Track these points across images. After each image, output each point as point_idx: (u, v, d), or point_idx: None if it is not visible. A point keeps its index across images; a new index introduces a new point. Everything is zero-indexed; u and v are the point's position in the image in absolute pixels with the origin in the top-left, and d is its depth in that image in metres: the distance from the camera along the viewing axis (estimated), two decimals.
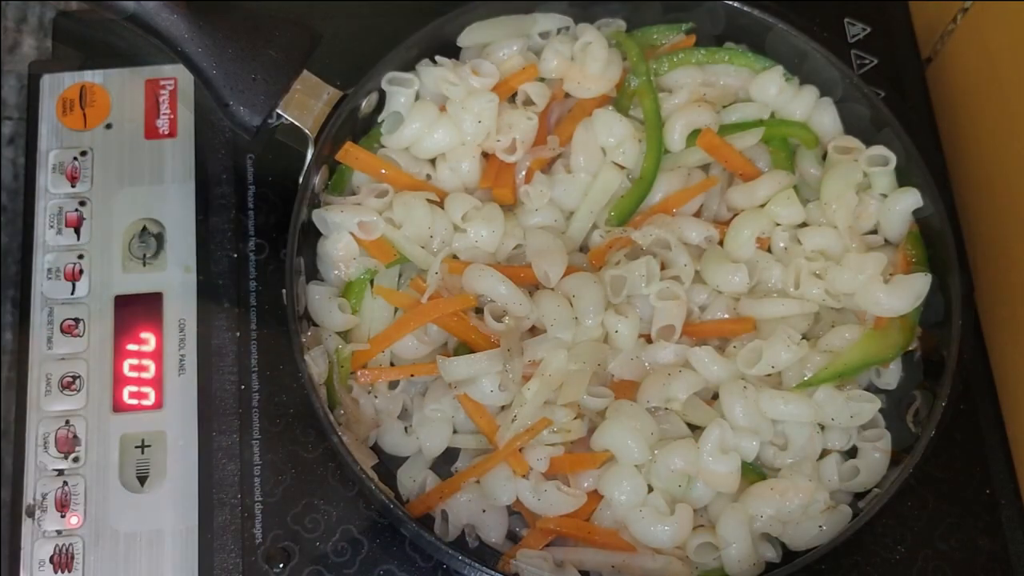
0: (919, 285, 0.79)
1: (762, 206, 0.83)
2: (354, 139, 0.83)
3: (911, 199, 0.82)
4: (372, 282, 0.82)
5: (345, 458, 0.74)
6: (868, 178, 0.84)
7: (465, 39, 0.87)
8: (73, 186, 0.88)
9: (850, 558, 0.81)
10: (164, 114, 0.90)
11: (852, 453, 0.80)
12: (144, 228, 0.87)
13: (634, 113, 0.87)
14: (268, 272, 0.86)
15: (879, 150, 0.83)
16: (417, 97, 0.85)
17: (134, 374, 0.83)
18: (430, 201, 0.82)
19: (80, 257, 0.86)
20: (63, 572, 0.78)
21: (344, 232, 0.80)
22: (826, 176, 0.84)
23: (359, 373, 0.78)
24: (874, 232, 0.84)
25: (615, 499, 0.75)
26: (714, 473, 0.75)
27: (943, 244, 0.80)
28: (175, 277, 0.86)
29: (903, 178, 0.84)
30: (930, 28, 0.98)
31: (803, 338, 0.79)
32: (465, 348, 0.79)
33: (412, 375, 0.79)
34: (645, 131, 0.85)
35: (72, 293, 0.85)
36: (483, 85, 0.83)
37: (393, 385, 0.80)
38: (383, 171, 0.83)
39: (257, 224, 0.88)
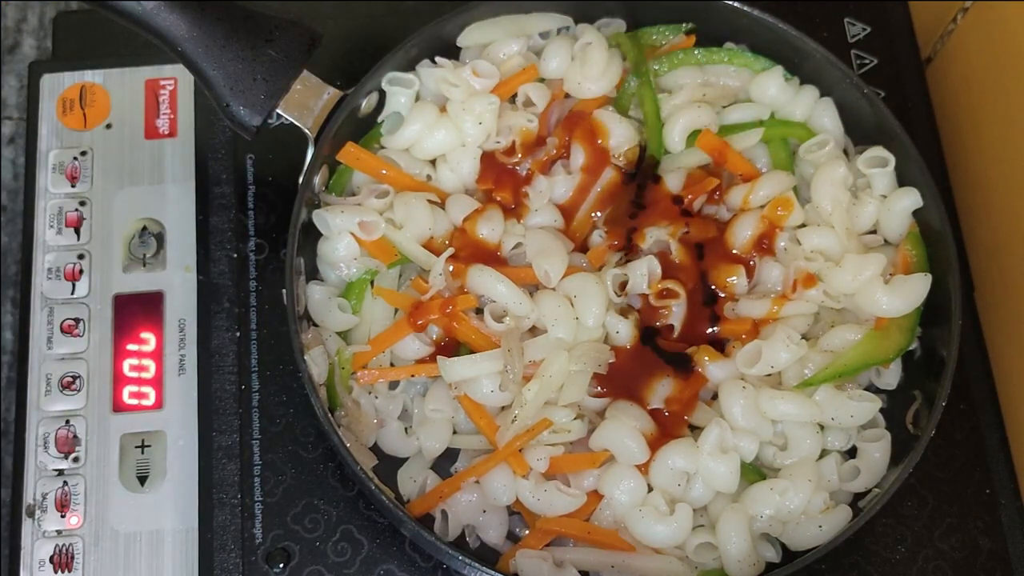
0: (919, 285, 0.79)
1: (762, 206, 0.83)
2: (354, 139, 0.83)
3: (911, 199, 0.82)
4: (372, 282, 0.82)
5: (345, 459, 0.74)
6: (867, 178, 0.84)
7: (465, 39, 0.86)
8: (73, 186, 0.88)
9: (850, 558, 0.81)
10: (164, 114, 0.90)
11: (852, 453, 0.80)
12: (144, 228, 0.87)
13: (634, 113, 0.87)
14: (268, 272, 0.86)
15: (878, 151, 0.83)
16: (417, 98, 0.85)
17: (134, 374, 0.83)
18: (431, 202, 0.82)
19: (80, 257, 0.86)
20: (63, 572, 0.78)
21: (344, 232, 0.80)
22: (813, 178, 0.84)
23: (359, 373, 0.78)
24: (873, 232, 0.84)
25: (615, 498, 0.75)
26: (714, 473, 0.75)
27: (943, 244, 0.80)
28: (175, 277, 0.86)
29: (903, 178, 0.84)
30: (930, 28, 0.98)
31: (803, 338, 0.79)
32: (466, 348, 0.79)
33: (412, 375, 0.79)
34: (645, 131, 0.85)
35: (72, 293, 0.85)
36: (484, 87, 0.83)
37: (393, 385, 0.80)
38: (384, 171, 0.83)
39: (257, 224, 0.88)
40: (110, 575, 0.78)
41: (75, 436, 0.81)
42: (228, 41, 0.77)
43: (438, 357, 0.78)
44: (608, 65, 0.85)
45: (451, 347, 0.80)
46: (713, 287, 0.82)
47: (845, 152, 0.86)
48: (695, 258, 0.83)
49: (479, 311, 0.80)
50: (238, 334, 0.84)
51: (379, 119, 0.85)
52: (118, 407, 0.82)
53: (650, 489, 0.76)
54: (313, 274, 0.83)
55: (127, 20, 0.76)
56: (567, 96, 0.87)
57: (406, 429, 0.80)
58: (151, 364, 0.83)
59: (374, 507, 0.80)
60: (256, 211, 0.88)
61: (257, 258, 0.87)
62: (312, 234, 0.82)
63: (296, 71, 0.79)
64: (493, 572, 0.73)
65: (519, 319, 0.79)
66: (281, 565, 0.79)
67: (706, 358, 0.79)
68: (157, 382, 0.83)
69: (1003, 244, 0.89)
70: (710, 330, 0.81)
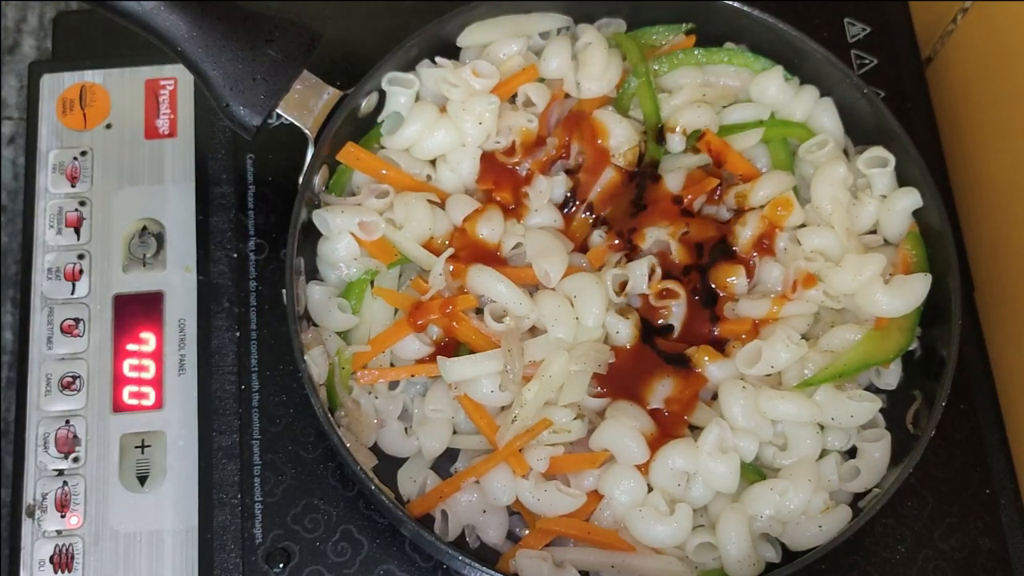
0: (919, 286, 0.79)
1: (762, 206, 0.83)
2: (354, 139, 0.83)
3: (911, 199, 0.82)
4: (372, 282, 0.82)
5: (345, 459, 0.74)
6: (867, 178, 0.84)
7: (465, 39, 0.86)
8: (73, 186, 0.88)
9: (850, 558, 0.81)
10: (164, 114, 0.90)
11: (852, 453, 0.80)
12: (144, 228, 0.87)
13: (634, 113, 0.87)
14: (268, 272, 0.86)
15: (878, 151, 0.83)
16: (417, 98, 0.85)
17: (134, 374, 0.83)
18: (431, 202, 0.82)
19: (80, 257, 0.86)
20: (63, 572, 0.78)
21: (344, 232, 0.80)
22: (813, 178, 0.84)
23: (359, 373, 0.78)
24: (873, 232, 0.84)
25: (615, 498, 0.75)
26: (714, 473, 0.75)
27: (943, 244, 0.80)
28: (175, 277, 0.86)
29: (903, 178, 0.84)
30: (930, 28, 0.98)
31: (803, 338, 0.79)
32: (466, 348, 0.79)
33: (412, 375, 0.79)
34: (645, 131, 0.85)
35: (72, 293, 0.85)
36: (483, 87, 0.83)
37: (393, 386, 0.80)
38: (384, 171, 0.83)
39: (257, 224, 0.88)
40: (110, 575, 0.78)
41: (75, 436, 0.81)
42: (228, 41, 0.77)
43: (438, 357, 0.78)
44: (608, 65, 0.85)
45: (451, 347, 0.80)
46: (713, 287, 0.82)
47: (845, 152, 0.86)
48: (695, 258, 0.83)
49: (479, 311, 0.80)
50: (238, 334, 0.84)
51: (379, 119, 0.85)
52: (118, 407, 0.82)
53: (650, 489, 0.76)
54: (313, 274, 0.83)
55: (127, 20, 0.76)
56: (567, 96, 0.87)
57: (406, 429, 0.80)
58: (151, 364, 0.83)
59: (374, 507, 0.80)
60: (256, 211, 0.88)
61: (257, 258, 0.87)
62: (312, 234, 0.82)
63: (296, 71, 0.79)
64: (493, 572, 0.73)
65: (519, 319, 0.79)
66: (281, 565, 0.79)
67: (706, 358, 0.79)
68: (157, 382, 0.83)
69: (1003, 244, 0.89)
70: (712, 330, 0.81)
